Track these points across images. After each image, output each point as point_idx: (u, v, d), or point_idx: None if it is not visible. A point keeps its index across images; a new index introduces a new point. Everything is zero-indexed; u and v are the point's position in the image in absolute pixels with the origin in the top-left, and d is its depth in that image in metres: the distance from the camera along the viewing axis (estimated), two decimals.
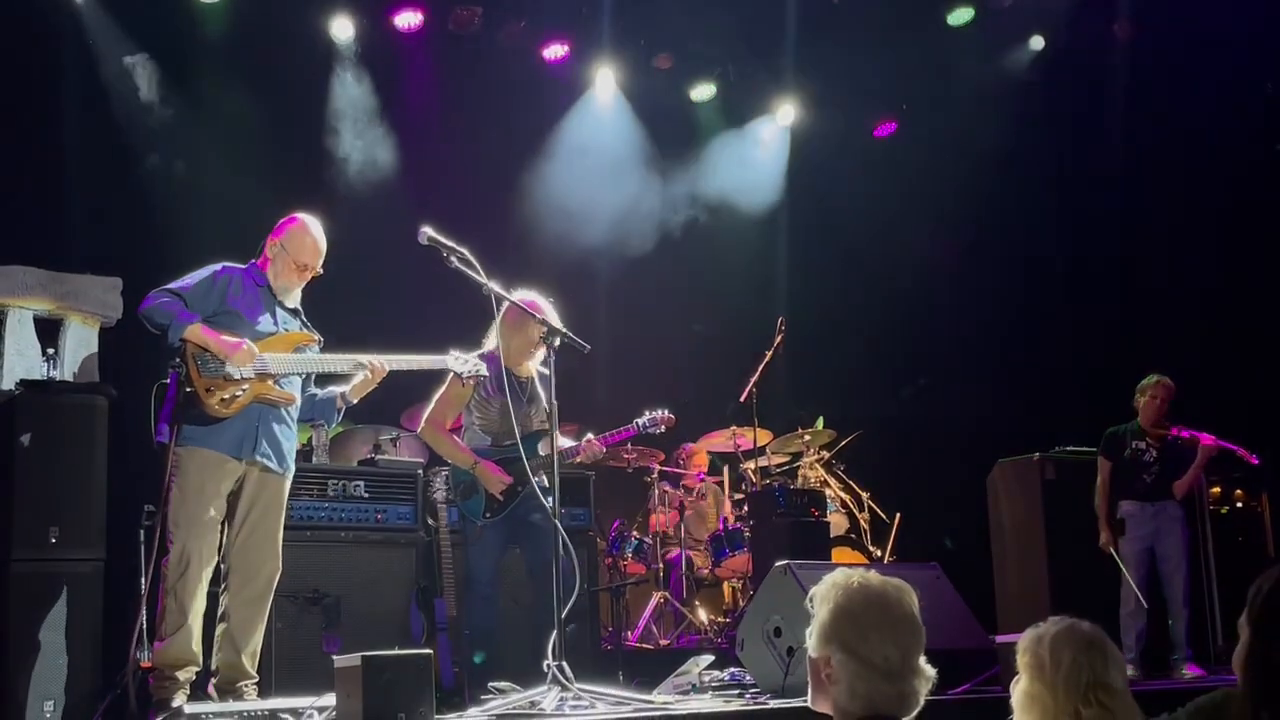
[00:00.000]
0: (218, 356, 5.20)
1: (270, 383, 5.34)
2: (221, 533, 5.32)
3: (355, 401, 5.64)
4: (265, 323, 5.45)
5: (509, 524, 6.19)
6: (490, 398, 6.22)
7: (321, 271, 5.58)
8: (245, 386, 5.26)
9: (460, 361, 5.77)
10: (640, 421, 6.53)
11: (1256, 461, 7.85)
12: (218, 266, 5.45)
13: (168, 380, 5.22)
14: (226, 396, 5.21)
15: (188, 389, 5.15)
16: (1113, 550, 7.65)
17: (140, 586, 6.08)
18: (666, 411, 6.56)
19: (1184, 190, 9.92)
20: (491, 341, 6.10)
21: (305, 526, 6.53)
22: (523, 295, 5.96)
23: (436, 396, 6.29)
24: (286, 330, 5.52)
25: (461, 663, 6.22)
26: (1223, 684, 3.07)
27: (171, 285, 5.32)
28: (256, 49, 8.70)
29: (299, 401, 5.53)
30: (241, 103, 8.62)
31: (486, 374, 5.87)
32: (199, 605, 5.19)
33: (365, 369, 5.49)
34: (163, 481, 5.18)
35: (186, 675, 5.17)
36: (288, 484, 5.52)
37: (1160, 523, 7.64)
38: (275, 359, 5.34)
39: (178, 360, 5.17)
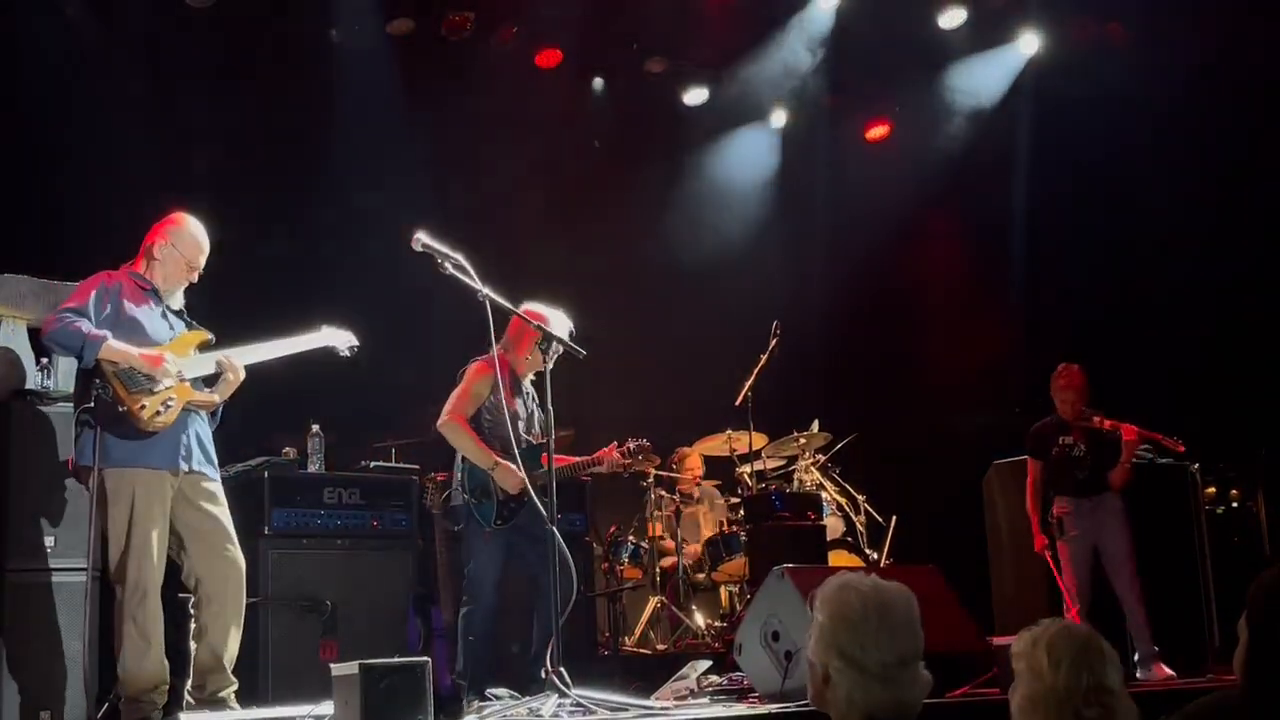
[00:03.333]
0: (139, 370, 5.11)
1: (188, 386, 5.27)
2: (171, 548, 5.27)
3: (222, 400, 5.44)
4: (162, 329, 5.35)
5: (513, 532, 6.20)
6: (502, 404, 6.22)
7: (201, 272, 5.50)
8: (173, 396, 5.17)
9: (335, 336, 5.74)
10: (632, 447, 6.54)
11: (1182, 449, 7.56)
12: (102, 277, 5.33)
13: (90, 404, 5.04)
14: (160, 409, 5.12)
15: (120, 409, 5.03)
16: (1046, 554, 7.50)
17: None
18: (645, 441, 6.59)
19: (1179, 191, 9.92)
20: (499, 349, 6.09)
21: (301, 534, 6.51)
22: (530, 306, 6.05)
23: (456, 391, 6.30)
24: (180, 333, 5.42)
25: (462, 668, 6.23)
26: (1206, 686, 3.07)
27: (71, 305, 5.19)
28: (249, 55, 8.68)
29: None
30: (233, 111, 8.60)
31: (356, 344, 5.80)
32: (160, 625, 5.15)
33: (225, 368, 5.35)
34: (91, 504, 5.07)
35: (161, 695, 5.14)
36: (220, 485, 5.44)
37: (1100, 517, 7.44)
38: (184, 363, 5.27)
39: (98, 381, 5.05)
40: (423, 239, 5.36)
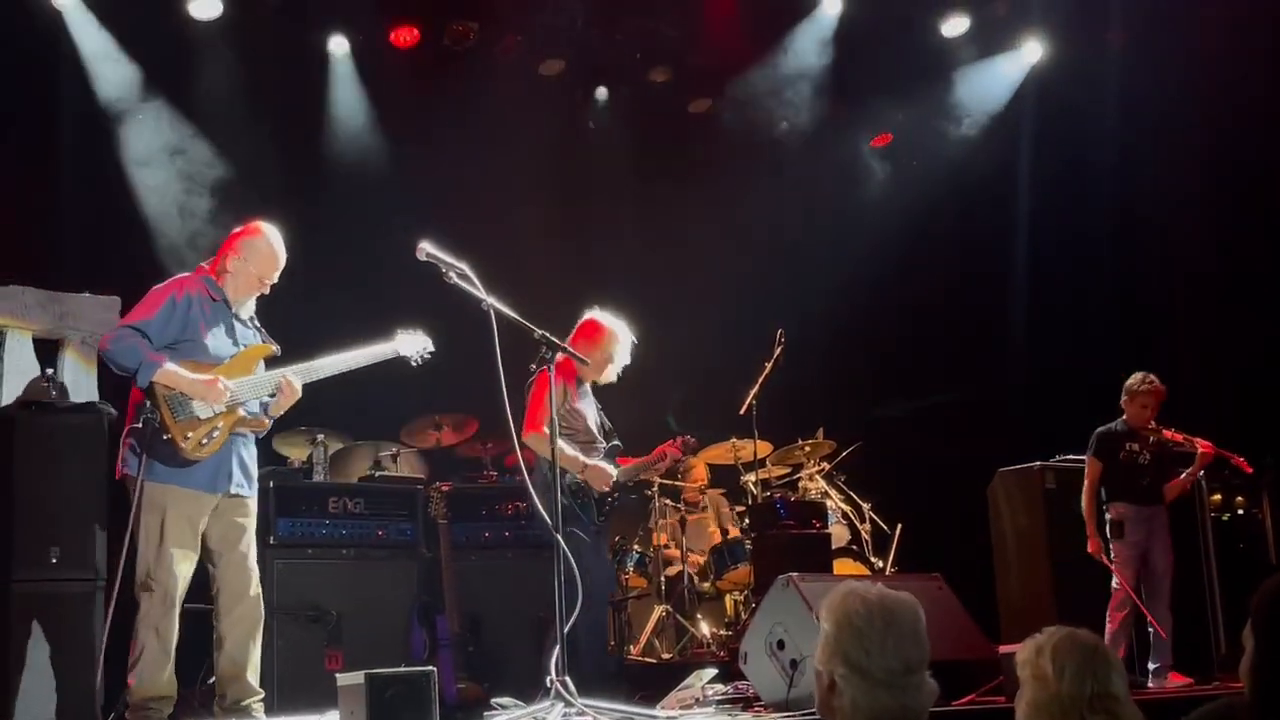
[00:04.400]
0: (190, 398, 5.12)
1: (240, 411, 5.29)
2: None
3: (276, 416, 5.50)
4: (225, 345, 5.36)
5: (605, 531, 6.51)
6: (574, 413, 6.47)
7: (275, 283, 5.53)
8: (220, 424, 5.20)
9: (409, 343, 5.77)
10: (686, 442, 6.90)
11: (1251, 470, 7.68)
12: (173, 286, 5.33)
13: (139, 424, 5.07)
14: (204, 440, 5.14)
15: (165, 436, 5.06)
16: (1103, 557, 7.53)
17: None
18: (690, 437, 7.00)
19: (1182, 199, 9.92)
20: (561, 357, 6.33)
21: (306, 544, 6.53)
22: (595, 314, 6.56)
23: (530, 402, 6.40)
24: (245, 346, 5.43)
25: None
26: (1215, 693, 3.06)
27: (134, 321, 5.20)
28: (253, 67, 8.71)
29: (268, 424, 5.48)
30: (239, 120, 8.62)
31: (431, 349, 5.84)
32: (175, 637, 5.17)
33: (281, 389, 5.38)
34: (131, 514, 5.08)
35: (167, 705, 5.15)
36: (255, 502, 5.47)
37: (1154, 527, 7.51)
38: (241, 384, 5.27)
39: (148, 404, 5.06)
40: (427, 248, 5.37)
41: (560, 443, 6.22)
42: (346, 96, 9.33)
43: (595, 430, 6.55)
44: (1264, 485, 8.45)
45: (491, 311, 5.45)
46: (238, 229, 5.54)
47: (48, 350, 6.39)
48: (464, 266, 5.40)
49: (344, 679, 4.74)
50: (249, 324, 5.52)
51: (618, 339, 6.59)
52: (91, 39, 8.28)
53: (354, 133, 9.33)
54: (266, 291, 5.52)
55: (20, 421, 5.74)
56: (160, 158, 8.40)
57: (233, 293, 5.43)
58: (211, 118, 8.58)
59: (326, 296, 8.34)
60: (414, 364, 5.79)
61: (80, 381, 6.42)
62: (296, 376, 5.39)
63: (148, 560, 5.12)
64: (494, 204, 9.70)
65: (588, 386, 6.66)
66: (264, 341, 5.52)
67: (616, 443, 6.69)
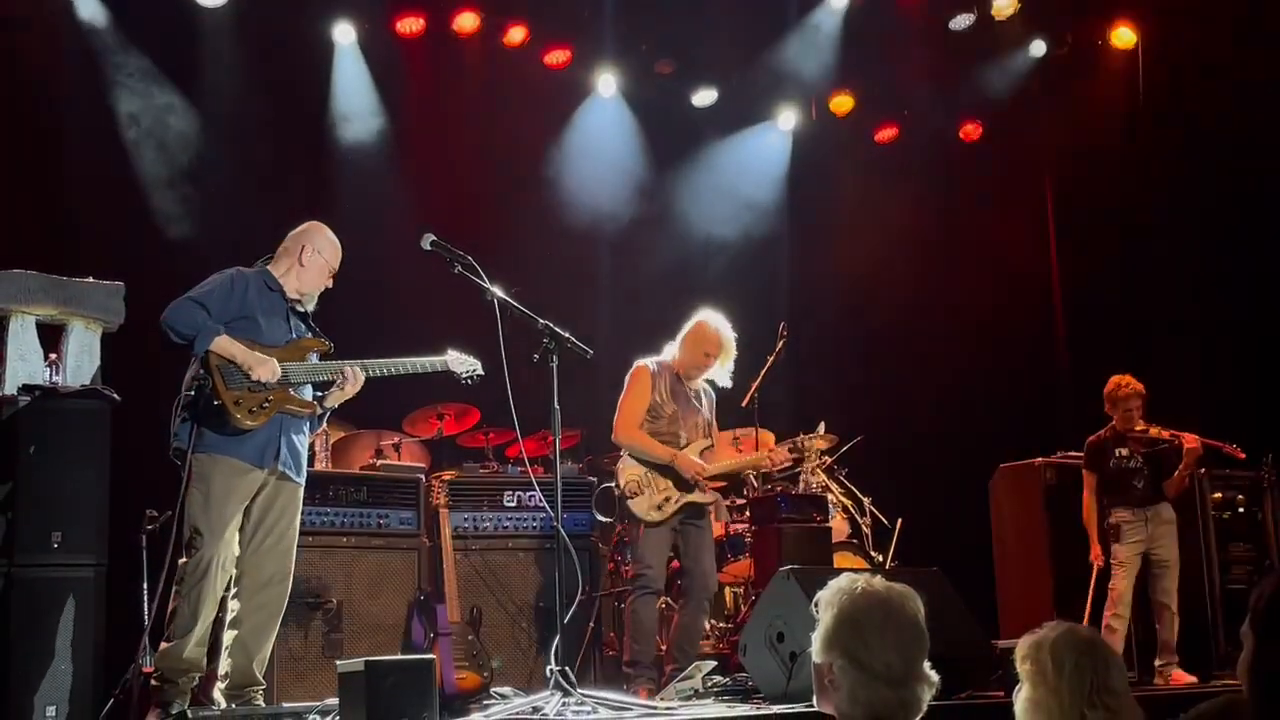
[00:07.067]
0: (243, 368, 5.20)
1: (291, 392, 5.36)
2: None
3: (331, 407, 5.58)
4: (281, 330, 5.45)
5: (673, 527, 6.52)
6: (663, 404, 6.59)
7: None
8: (270, 397, 5.27)
9: (459, 361, 5.78)
10: (801, 441, 7.13)
11: (1243, 456, 7.74)
12: (233, 271, 5.44)
13: (191, 391, 5.17)
14: (254, 408, 5.22)
15: (215, 402, 5.14)
16: (1100, 566, 7.55)
17: (143, 591, 6.10)
18: (815, 435, 7.27)
19: (1182, 194, 9.91)
20: (669, 351, 6.65)
21: (307, 532, 6.51)
22: (704, 315, 6.66)
23: (622, 401, 6.61)
24: (300, 337, 5.52)
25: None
26: (1215, 690, 3.06)
27: (193, 294, 5.31)
28: (258, 53, 8.71)
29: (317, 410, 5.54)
30: (244, 107, 8.63)
31: (482, 373, 5.84)
32: (210, 612, 5.20)
33: (341, 376, 5.45)
34: (181, 486, 5.15)
35: (188, 681, 5.17)
36: (301, 493, 5.51)
37: (1155, 527, 7.57)
38: (293, 367, 5.36)
39: (203, 373, 5.16)
40: (431, 237, 5.38)
41: (643, 440, 6.55)
42: (351, 84, 9.31)
43: (679, 426, 6.60)
44: (1265, 484, 8.46)
45: (495, 302, 5.46)
46: (298, 228, 5.64)
47: (51, 335, 6.38)
48: (469, 257, 5.41)
49: (344, 666, 4.75)
50: (306, 321, 5.61)
51: (709, 338, 6.65)
52: (99, 25, 8.27)
53: (359, 121, 9.31)
54: (330, 284, 5.61)
55: (23, 406, 5.75)
56: (165, 144, 8.41)
57: (297, 284, 5.54)
58: (217, 105, 8.58)
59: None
60: (463, 383, 5.79)
61: (83, 366, 6.40)
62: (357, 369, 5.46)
63: (190, 528, 5.18)
64: (494, 193, 9.69)
65: (690, 384, 6.74)
66: (318, 336, 5.60)
67: (706, 442, 6.72)
